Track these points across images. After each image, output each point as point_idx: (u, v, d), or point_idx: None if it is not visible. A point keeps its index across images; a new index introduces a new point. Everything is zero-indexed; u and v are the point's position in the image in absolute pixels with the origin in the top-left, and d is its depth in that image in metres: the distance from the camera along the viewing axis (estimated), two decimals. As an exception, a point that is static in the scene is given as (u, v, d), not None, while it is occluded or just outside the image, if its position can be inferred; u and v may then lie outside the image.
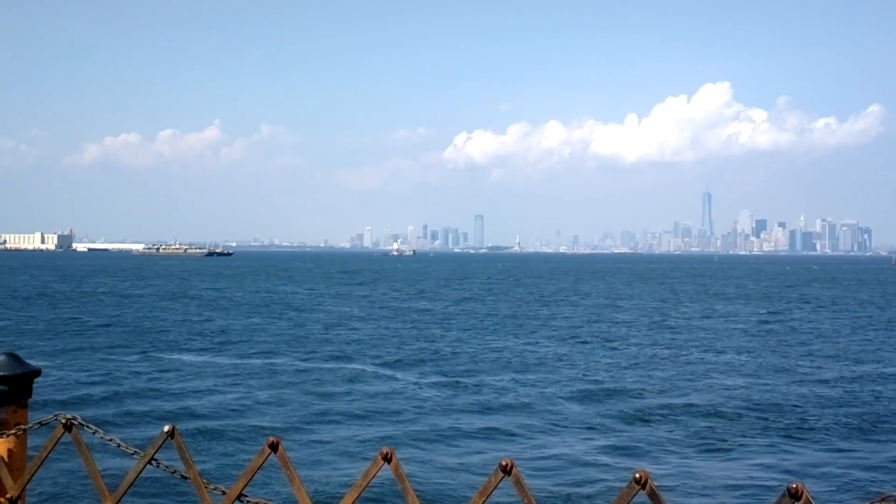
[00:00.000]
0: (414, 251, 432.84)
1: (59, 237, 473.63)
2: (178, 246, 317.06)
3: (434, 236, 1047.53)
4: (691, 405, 24.91)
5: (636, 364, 33.41)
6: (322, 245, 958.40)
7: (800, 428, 21.90)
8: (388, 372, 30.82)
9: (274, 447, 2.51)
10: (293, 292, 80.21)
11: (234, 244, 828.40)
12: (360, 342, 39.56)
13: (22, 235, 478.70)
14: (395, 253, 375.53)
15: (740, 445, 19.93)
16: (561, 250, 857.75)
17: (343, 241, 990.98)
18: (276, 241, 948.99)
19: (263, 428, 20.88)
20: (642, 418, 22.85)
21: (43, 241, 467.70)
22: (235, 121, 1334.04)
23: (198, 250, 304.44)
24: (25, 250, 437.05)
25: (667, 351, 37.50)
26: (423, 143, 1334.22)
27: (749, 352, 37.40)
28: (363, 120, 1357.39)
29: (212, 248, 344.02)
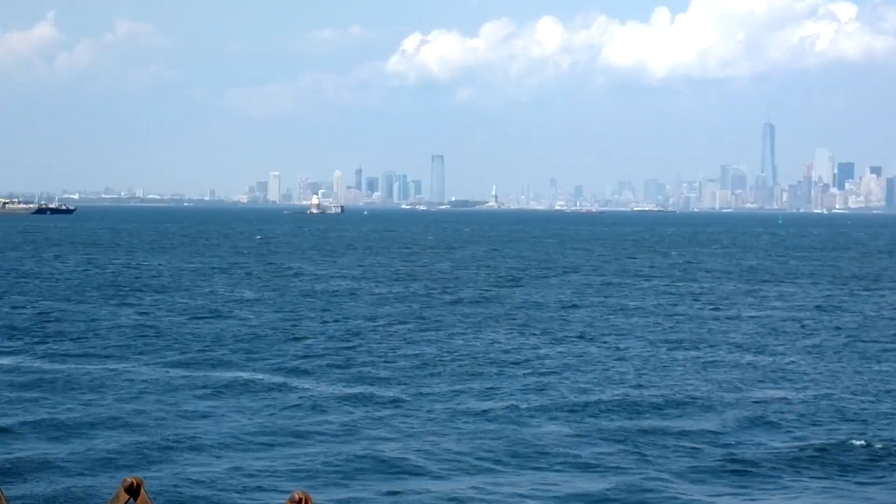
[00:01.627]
0: (342, 207, 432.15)
1: None
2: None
3: (372, 186, 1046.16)
4: (711, 426, 25.80)
5: (648, 369, 34.32)
6: (207, 198, 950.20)
7: (864, 464, 22.87)
8: (283, 379, 31.31)
9: (134, 491, 2.56)
10: (154, 267, 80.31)
11: (75, 197, 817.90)
12: (244, 339, 40.20)
13: None
14: (314, 210, 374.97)
15: (781, 488, 20.81)
16: (558, 207, 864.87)
17: (238, 194, 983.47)
18: (140, 193, 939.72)
19: (112, 461, 21.30)
20: (654, 445, 23.69)
21: None
22: (78, 15, 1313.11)
23: (22, 205, 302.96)
24: None
25: (691, 352, 38.50)
26: (356, 49, 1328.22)
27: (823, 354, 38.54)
28: (267, 16, 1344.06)
29: (43, 202, 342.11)
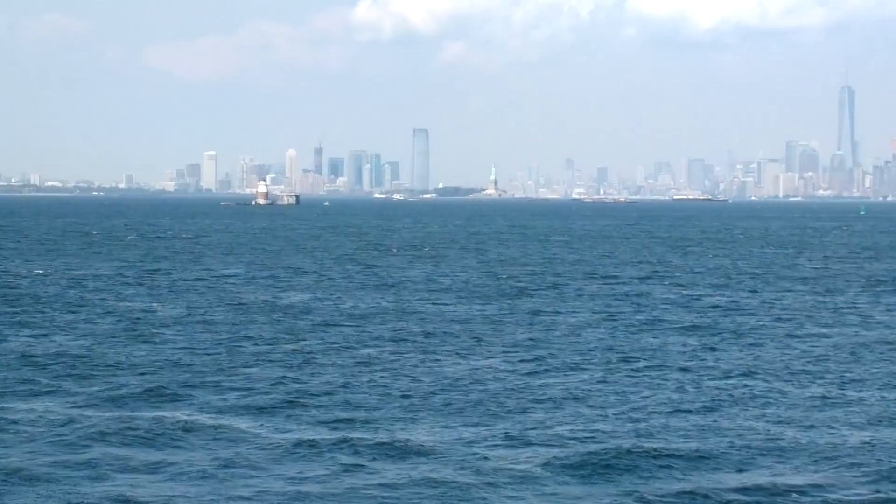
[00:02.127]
0: (297, 197, 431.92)
1: None
2: None
3: (336, 169, 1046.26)
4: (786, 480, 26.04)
5: (689, 402, 34.57)
6: (123, 186, 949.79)
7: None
8: (221, 422, 31.46)
9: None
10: (48, 275, 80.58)
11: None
12: (169, 368, 40.58)
13: None
14: (260, 201, 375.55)
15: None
16: (576, 195, 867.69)
17: (163, 180, 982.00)
18: (35, 180, 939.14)
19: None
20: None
21: None
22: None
23: None
24: None
25: (741, 381, 38.78)
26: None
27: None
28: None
29: None
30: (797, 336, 50.31)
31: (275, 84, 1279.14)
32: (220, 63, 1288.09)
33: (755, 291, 72.07)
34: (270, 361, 41.82)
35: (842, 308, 62.18)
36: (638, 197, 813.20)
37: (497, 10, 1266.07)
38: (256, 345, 46.30)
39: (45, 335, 48.76)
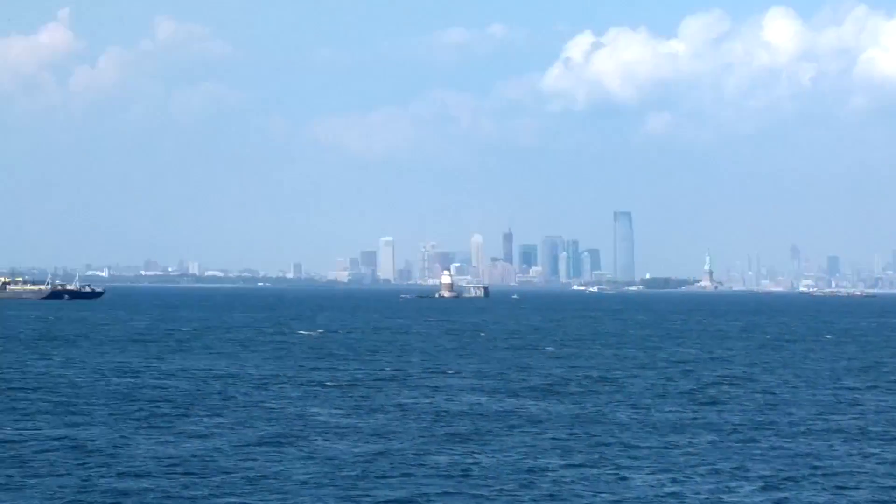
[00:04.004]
0: (486, 289, 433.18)
1: None
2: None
3: (528, 257, 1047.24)
4: None
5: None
6: (291, 276, 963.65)
7: None
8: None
9: None
10: (232, 374, 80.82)
11: (104, 274, 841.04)
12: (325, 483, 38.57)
13: None
14: (445, 293, 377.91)
15: None
16: (803, 287, 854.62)
17: (335, 270, 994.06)
18: (194, 269, 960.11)
19: None
20: None
21: None
22: (102, 13, 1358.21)
23: (30, 287, 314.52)
24: None
25: None
26: (498, 57, 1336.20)
27: None
28: (370, 13, 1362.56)
29: (59, 281, 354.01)
30: None
31: (457, 161, 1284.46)
32: (396, 137, 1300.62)
33: None
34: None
35: None
36: (876, 290, 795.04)
37: (706, 76, 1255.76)
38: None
39: (206, 437, 47.43)
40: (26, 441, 47.27)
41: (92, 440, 47.80)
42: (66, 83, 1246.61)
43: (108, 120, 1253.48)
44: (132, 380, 75.18)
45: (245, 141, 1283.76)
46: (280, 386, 72.20)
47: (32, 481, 38.56)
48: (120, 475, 39.71)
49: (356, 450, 46.40)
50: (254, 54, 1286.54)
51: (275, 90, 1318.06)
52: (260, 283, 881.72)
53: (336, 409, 59.72)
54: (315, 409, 59.23)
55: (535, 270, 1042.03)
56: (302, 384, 73.16)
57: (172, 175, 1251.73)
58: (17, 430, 50.68)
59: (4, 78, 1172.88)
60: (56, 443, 46.89)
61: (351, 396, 66.00)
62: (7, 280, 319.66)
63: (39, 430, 50.85)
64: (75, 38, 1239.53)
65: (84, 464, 41.80)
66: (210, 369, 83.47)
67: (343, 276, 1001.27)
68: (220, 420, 54.82)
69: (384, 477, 40.08)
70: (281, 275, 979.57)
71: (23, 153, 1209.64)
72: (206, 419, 55.23)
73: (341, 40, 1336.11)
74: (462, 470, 41.48)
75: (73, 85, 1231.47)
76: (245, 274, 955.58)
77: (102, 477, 39.40)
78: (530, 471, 41.65)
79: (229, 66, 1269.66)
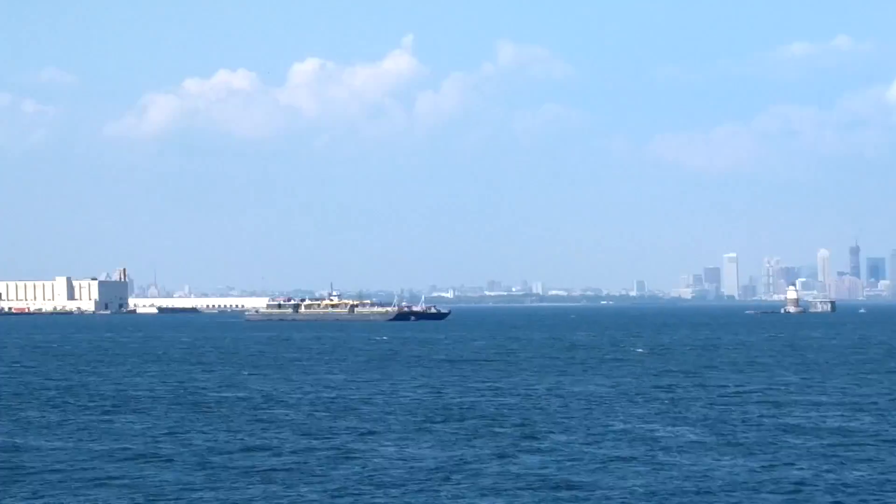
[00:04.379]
0: (832, 304, 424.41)
1: (102, 287, 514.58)
2: (332, 299, 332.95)
3: (876, 271, 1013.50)
4: None
5: None
6: (634, 293, 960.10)
7: None
8: None
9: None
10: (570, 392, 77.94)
11: (448, 295, 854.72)
12: None
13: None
14: (790, 308, 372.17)
15: None
16: None
17: (679, 286, 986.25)
18: (537, 288, 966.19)
19: None
20: None
21: (66, 296, 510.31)
22: (445, 38, 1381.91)
23: (377, 308, 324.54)
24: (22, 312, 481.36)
25: None
26: (842, 70, 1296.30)
27: None
28: (701, 32, 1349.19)
29: (405, 302, 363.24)
30: None
31: (801, 175, 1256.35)
32: (738, 153, 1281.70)
33: None
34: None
35: None
36: None
37: None
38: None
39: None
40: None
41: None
42: (411, 109, 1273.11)
43: (451, 143, 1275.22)
44: (471, 399, 74.00)
45: (586, 161, 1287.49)
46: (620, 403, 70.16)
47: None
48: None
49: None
50: (595, 75, 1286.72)
51: (616, 110, 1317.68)
52: (603, 302, 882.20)
53: (688, 426, 56.96)
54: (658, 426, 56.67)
55: (884, 284, 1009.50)
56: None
57: (514, 196, 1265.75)
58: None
59: (351, 105, 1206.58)
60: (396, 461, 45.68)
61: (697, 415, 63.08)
62: (355, 303, 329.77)
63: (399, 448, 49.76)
64: (419, 64, 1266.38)
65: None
66: (556, 387, 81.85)
67: (686, 292, 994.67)
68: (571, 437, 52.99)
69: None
70: (624, 293, 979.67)
71: (368, 179, 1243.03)
72: (552, 436, 53.55)
73: (682, 58, 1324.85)
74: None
75: (416, 110, 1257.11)
76: (588, 292, 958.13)
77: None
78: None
79: (571, 87, 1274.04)
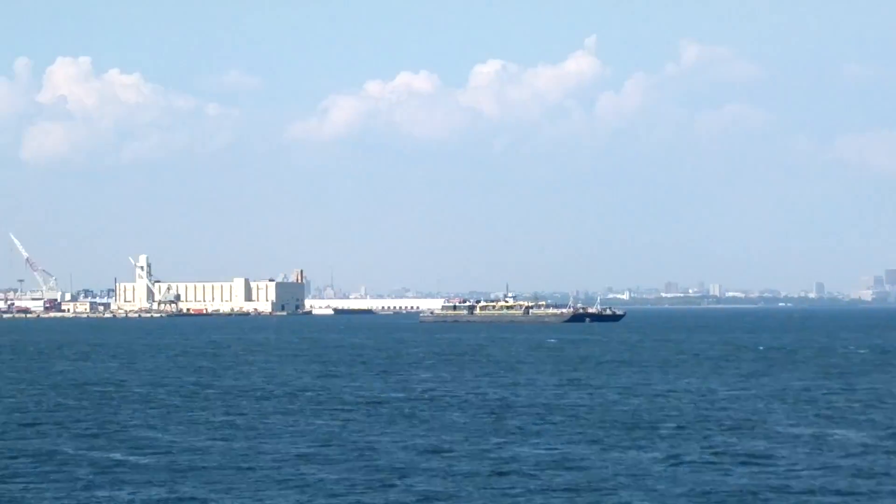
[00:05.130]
0: None
1: (279, 288, 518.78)
2: (508, 301, 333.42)
3: None
4: None
5: None
6: (813, 295, 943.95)
7: None
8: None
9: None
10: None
11: (624, 297, 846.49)
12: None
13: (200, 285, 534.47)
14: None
15: None
16: None
17: (860, 288, 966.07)
18: (715, 290, 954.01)
19: None
20: None
21: (242, 297, 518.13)
22: (628, 39, 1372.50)
23: (552, 310, 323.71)
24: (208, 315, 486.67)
25: None
26: None
27: None
28: (888, 27, 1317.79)
29: (580, 304, 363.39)
30: None
31: None
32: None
33: None
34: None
35: None
36: None
37: None
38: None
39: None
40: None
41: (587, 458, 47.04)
42: (591, 110, 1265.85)
43: (631, 144, 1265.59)
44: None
45: (768, 161, 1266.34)
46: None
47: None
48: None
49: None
50: (780, 74, 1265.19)
51: (800, 109, 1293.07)
52: (781, 304, 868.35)
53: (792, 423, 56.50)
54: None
55: None
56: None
57: (693, 197, 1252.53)
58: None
59: (532, 107, 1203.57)
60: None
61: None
62: (530, 304, 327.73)
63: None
64: (601, 65, 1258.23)
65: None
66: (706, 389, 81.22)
67: (867, 294, 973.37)
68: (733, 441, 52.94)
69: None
70: (803, 294, 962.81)
71: (546, 180, 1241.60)
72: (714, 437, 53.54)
73: (869, 56, 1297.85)
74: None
75: (597, 111, 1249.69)
76: (766, 294, 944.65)
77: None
78: None
79: (755, 86, 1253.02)
